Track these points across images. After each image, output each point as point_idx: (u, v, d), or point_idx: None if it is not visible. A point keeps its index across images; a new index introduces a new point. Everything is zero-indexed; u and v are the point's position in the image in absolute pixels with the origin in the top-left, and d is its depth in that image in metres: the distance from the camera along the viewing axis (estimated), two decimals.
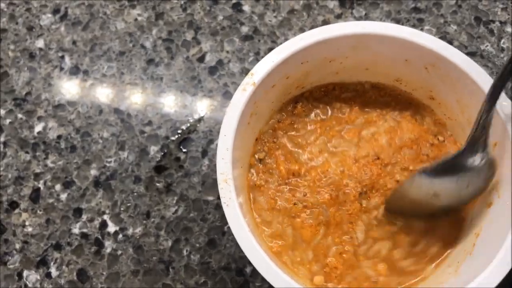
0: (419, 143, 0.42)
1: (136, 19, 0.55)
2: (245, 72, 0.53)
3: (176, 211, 0.48)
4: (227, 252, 0.46)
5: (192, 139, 0.50)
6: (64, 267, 0.46)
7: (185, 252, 0.46)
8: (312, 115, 0.43)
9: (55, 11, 0.56)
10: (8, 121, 0.51)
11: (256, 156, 0.42)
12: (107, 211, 0.48)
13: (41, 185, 0.49)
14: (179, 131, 0.50)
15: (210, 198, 0.48)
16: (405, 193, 0.39)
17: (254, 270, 0.46)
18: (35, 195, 0.49)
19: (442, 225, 0.40)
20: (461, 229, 0.40)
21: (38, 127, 0.51)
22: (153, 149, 0.50)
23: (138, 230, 0.47)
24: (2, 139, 0.51)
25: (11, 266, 0.46)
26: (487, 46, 0.53)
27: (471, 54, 0.53)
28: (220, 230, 0.47)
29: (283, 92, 0.42)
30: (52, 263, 0.46)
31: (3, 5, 0.56)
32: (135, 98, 0.52)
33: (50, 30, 0.55)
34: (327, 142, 0.42)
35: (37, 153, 0.50)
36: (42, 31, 0.55)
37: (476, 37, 0.54)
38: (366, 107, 0.43)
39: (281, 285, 0.33)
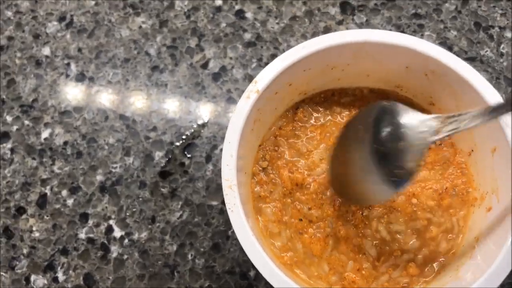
0: None
1: (140, 27, 0.56)
2: (248, 78, 0.53)
3: (181, 216, 0.48)
4: (231, 256, 0.47)
5: (196, 144, 0.51)
6: (71, 271, 0.47)
7: (189, 257, 0.47)
8: (312, 120, 0.44)
9: (61, 19, 0.57)
10: (15, 127, 0.52)
11: (259, 165, 0.43)
12: (113, 216, 0.49)
13: (48, 191, 0.50)
14: (183, 137, 0.51)
15: (214, 203, 0.49)
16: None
17: (257, 274, 0.46)
18: (42, 201, 0.49)
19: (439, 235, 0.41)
20: (461, 234, 0.41)
21: (45, 134, 0.52)
22: (158, 155, 0.51)
23: (144, 234, 0.48)
24: (10, 145, 0.51)
25: (19, 271, 0.47)
26: (486, 51, 0.54)
27: (471, 59, 0.53)
28: (224, 235, 0.48)
29: (285, 98, 0.43)
30: (59, 268, 0.47)
31: (10, 13, 0.57)
32: (140, 104, 0.53)
33: (56, 38, 0.56)
34: (327, 149, 0.43)
35: (44, 159, 0.51)
36: (48, 38, 0.56)
37: (476, 42, 0.54)
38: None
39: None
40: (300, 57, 0.39)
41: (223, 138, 0.37)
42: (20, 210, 0.49)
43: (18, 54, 0.55)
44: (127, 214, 0.49)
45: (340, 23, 0.56)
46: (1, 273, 0.47)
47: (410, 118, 0.35)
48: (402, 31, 0.55)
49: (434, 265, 0.40)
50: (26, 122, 0.52)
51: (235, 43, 0.55)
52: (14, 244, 0.48)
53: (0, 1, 0.58)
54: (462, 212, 0.41)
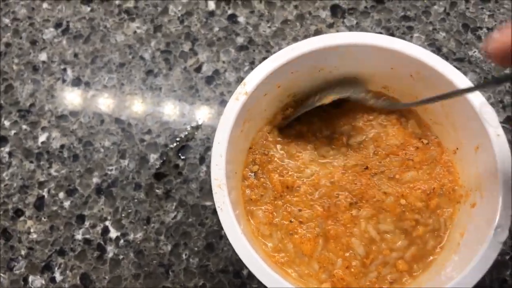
0: (404, 147, 0.43)
1: (135, 32, 0.57)
2: (240, 81, 0.54)
3: (175, 216, 0.49)
4: (224, 256, 0.48)
5: (190, 146, 0.52)
6: (68, 272, 0.48)
7: (184, 256, 0.48)
8: (301, 122, 0.45)
9: (57, 25, 0.58)
10: (13, 132, 0.53)
11: (249, 169, 0.44)
12: (108, 218, 0.50)
13: (45, 193, 0.51)
14: (177, 139, 0.52)
15: (208, 203, 0.50)
16: None
17: (250, 273, 0.47)
18: (40, 203, 0.50)
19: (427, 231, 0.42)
20: (448, 231, 0.42)
21: (42, 137, 0.53)
22: (153, 157, 0.52)
23: (139, 235, 0.49)
24: (8, 149, 0.53)
25: (17, 272, 0.48)
26: (475, 52, 0.55)
27: (459, 60, 0.54)
28: (217, 235, 0.49)
29: (275, 100, 0.44)
30: (56, 268, 0.48)
31: (7, 20, 0.59)
32: (135, 108, 0.54)
33: (52, 44, 0.57)
34: (315, 150, 0.44)
35: (41, 163, 0.52)
36: (45, 44, 0.57)
37: (464, 43, 0.55)
38: (353, 111, 0.45)
39: (274, 284, 0.35)
40: (288, 60, 0.40)
41: None
42: (18, 212, 0.50)
43: (16, 60, 0.57)
44: (123, 215, 0.50)
45: (330, 26, 0.57)
46: (0, 274, 0.48)
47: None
48: (392, 34, 0.56)
49: (422, 261, 0.41)
50: (24, 126, 0.53)
51: (227, 47, 0.56)
52: (12, 246, 0.49)
53: None
54: (449, 209, 0.42)
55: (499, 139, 0.37)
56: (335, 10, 0.57)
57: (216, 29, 0.57)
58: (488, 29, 0.56)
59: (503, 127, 0.38)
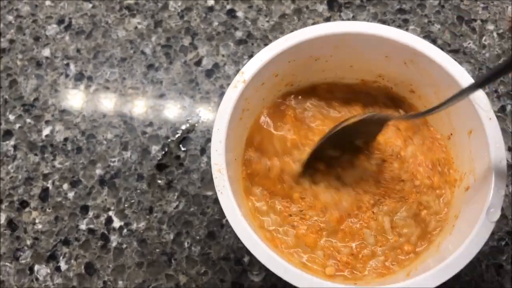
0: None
1: (136, 27, 0.59)
2: None
3: (177, 206, 0.50)
4: (226, 244, 0.49)
5: (191, 138, 0.53)
6: (72, 261, 0.49)
7: (186, 244, 0.49)
8: (299, 111, 0.46)
9: (60, 21, 0.59)
10: (17, 125, 0.54)
11: (249, 155, 0.45)
12: (112, 208, 0.51)
13: (49, 185, 0.52)
14: (178, 131, 0.53)
15: (209, 193, 0.51)
16: None
17: (251, 260, 0.48)
18: (44, 194, 0.52)
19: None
20: (446, 213, 0.43)
21: (46, 131, 0.54)
22: (155, 149, 0.53)
23: (142, 224, 0.50)
24: (12, 142, 0.54)
25: (23, 261, 0.49)
26: (469, 43, 0.56)
27: (454, 52, 0.55)
28: (219, 223, 0.50)
29: (273, 89, 0.45)
30: (61, 258, 0.49)
31: (11, 17, 0.60)
32: (137, 101, 0.55)
33: (55, 40, 0.59)
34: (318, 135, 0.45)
35: (45, 155, 0.53)
36: (48, 40, 0.59)
37: (459, 35, 0.56)
38: (350, 102, 0.46)
39: (276, 267, 0.35)
40: (284, 49, 0.41)
41: None
42: (24, 204, 0.51)
43: (20, 56, 0.58)
44: (126, 205, 0.51)
45: (327, 19, 0.58)
46: (6, 264, 0.49)
47: None
48: None
49: (423, 242, 0.42)
50: (28, 120, 0.55)
51: (227, 41, 0.57)
52: (18, 236, 0.50)
53: (1, 6, 0.60)
54: (447, 194, 0.43)
55: (491, 122, 0.38)
56: (331, 4, 0.59)
57: (216, 23, 0.58)
58: (482, 21, 0.57)
59: (497, 116, 0.39)
